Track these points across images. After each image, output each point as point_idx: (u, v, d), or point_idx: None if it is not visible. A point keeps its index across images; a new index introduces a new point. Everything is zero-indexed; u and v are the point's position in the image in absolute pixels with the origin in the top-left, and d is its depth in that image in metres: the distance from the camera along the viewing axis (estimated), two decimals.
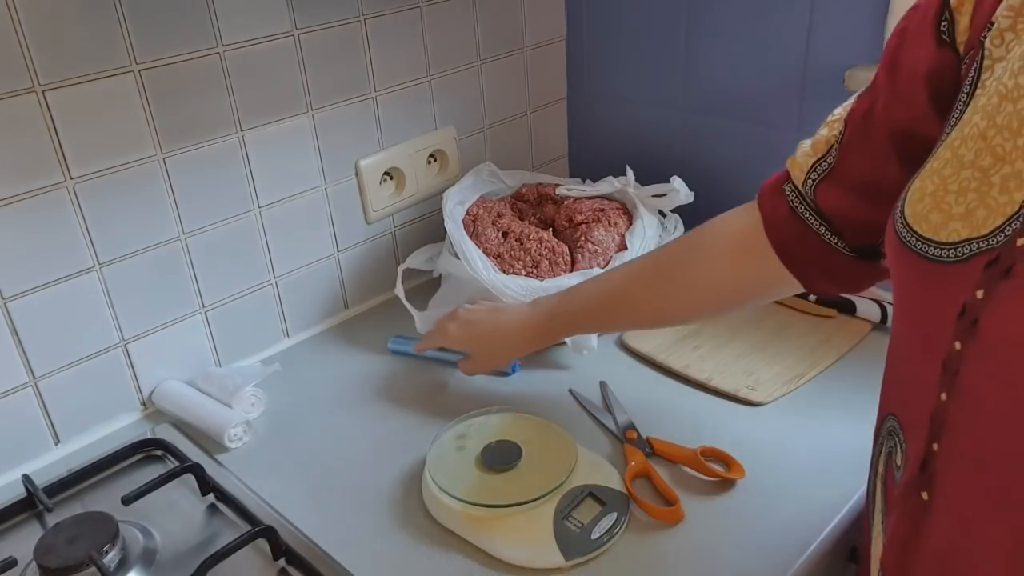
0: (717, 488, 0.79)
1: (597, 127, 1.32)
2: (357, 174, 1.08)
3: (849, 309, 1.02)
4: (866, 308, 1.01)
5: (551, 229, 1.08)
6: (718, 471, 0.79)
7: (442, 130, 1.16)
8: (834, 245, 0.67)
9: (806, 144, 0.68)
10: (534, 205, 1.14)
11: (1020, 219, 0.45)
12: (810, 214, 0.67)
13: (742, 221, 0.73)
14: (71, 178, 0.82)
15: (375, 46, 1.04)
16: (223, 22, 0.89)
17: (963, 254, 0.47)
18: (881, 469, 0.60)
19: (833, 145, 0.64)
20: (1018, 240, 0.44)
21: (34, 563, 0.71)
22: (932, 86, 0.56)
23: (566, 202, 1.10)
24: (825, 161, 0.65)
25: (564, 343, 0.96)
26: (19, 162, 0.79)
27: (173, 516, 0.80)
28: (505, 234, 1.04)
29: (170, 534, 0.78)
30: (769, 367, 0.94)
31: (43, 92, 0.78)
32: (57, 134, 0.80)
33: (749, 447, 0.82)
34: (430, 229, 1.18)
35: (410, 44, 1.08)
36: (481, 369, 0.94)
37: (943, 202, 0.49)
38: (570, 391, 0.94)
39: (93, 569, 0.70)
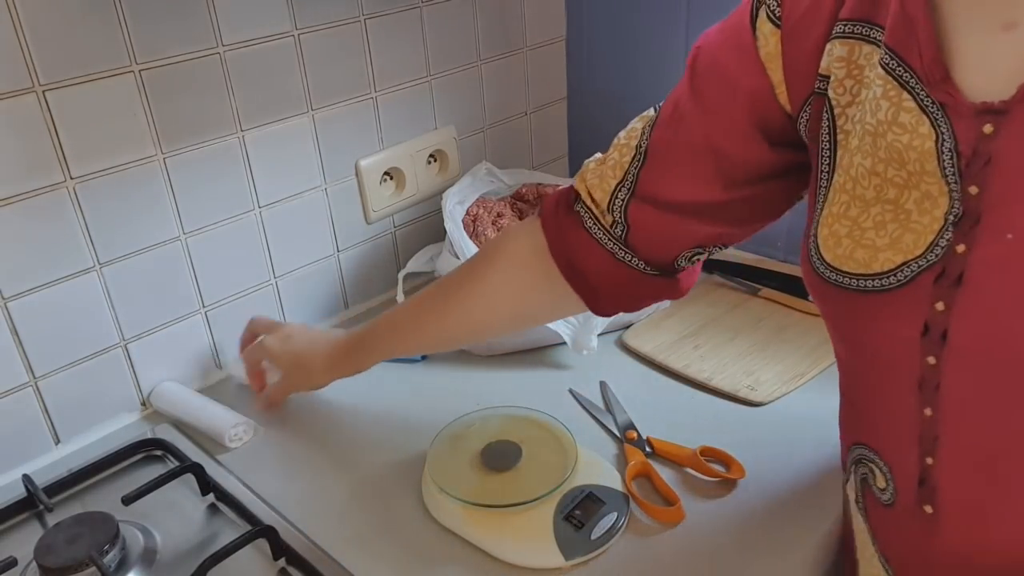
0: (717, 488, 0.79)
1: (597, 127, 1.32)
2: (357, 174, 1.08)
3: None
4: None
5: None
6: (718, 471, 0.79)
7: (442, 130, 1.16)
8: (628, 262, 0.67)
9: (592, 164, 0.68)
10: (534, 205, 1.14)
11: (949, 229, 0.47)
12: (604, 233, 0.67)
13: (525, 242, 0.73)
14: (71, 178, 0.82)
15: (375, 46, 1.04)
16: (223, 22, 0.89)
17: (905, 277, 0.49)
18: (856, 496, 0.60)
19: (629, 171, 0.65)
20: (957, 248, 0.46)
21: (34, 563, 0.71)
22: (762, 126, 0.59)
23: None
24: (624, 186, 0.65)
25: (563, 343, 0.96)
26: (19, 162, 0.79)
27: (173, 516, 0.80)
28: None
29: (170, 534, 0.78)
30: (769, 367, 0.94)
31: (43, 92, 0.78)
32: (57, 134, 0.80)
33: (749, 447, 0.82)
34: (430, 229, 1.18)
35: (410, 44, 1.08)
36: (288, 389, 0.91)
37: (864, 239, 0.51)
38: (570, 391, 0.94)
39: (93, 569, 0.70)
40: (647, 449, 0.83)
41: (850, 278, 0.51)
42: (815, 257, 0.54)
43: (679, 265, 0.68)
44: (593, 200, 0.68)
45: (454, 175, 1.17)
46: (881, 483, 0.56)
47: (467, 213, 1.06)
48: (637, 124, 0.66)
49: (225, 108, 0.92)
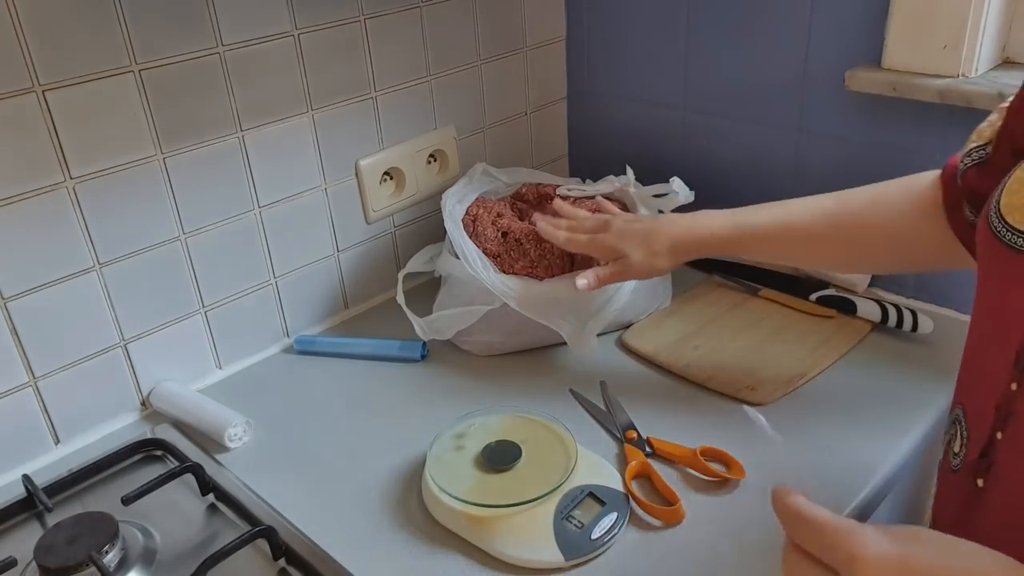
0: (717, 488, 0.79)
1: (597, 127, 1.32)
2: (357, 174, 1.08)
3: (849, 309, 1.02)
4: (866, 308, 1.01)
5: None
6: (718, 471, 0.79)
7: (442, 130, 1.16)
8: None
9: (981, 124, 0.67)
10: (534, 205, 1.14)
11: None
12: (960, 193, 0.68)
13: (928, 186, 0.74)
14: (71, 178, 0.82)
15: (375, 46, 1.04)
16: (223, 22, 0.89)
17: None
18: (941, 457, 0.60)
19: (992, 139, 0.64)
20: None
21: (34, 563, 0.71)
22: None
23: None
24: (984, 149, 0.65)
25: (563, 343, 0.96)
26: (19, 162, 0.79)
27: (173, 516, 0.80)
28: (505, 234, 1.04)
29: (170, 534, 0.78)
30: (769, 367, 0.94)
31: (43, 92, 0.78)
32: (57, 134, 0.80)
33: (749, 447, 0.82)
34: (430, 229, 1.18)
35: (410, 44, 1.08)
36: (623, 274, 0.88)
37: None
38: (570, 391, 0.94)
39: (93, 569, 0.70)
40: (647, 449, 0.83)
41: (1007, 228, 0.51)
42: (996, 195, 0.54)
43: None
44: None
45: (454, 175, 1.17)
46: (957, 447, 0.56)
47: (467, 213, 1.06)
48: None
49: (225, 108, 0.92)
